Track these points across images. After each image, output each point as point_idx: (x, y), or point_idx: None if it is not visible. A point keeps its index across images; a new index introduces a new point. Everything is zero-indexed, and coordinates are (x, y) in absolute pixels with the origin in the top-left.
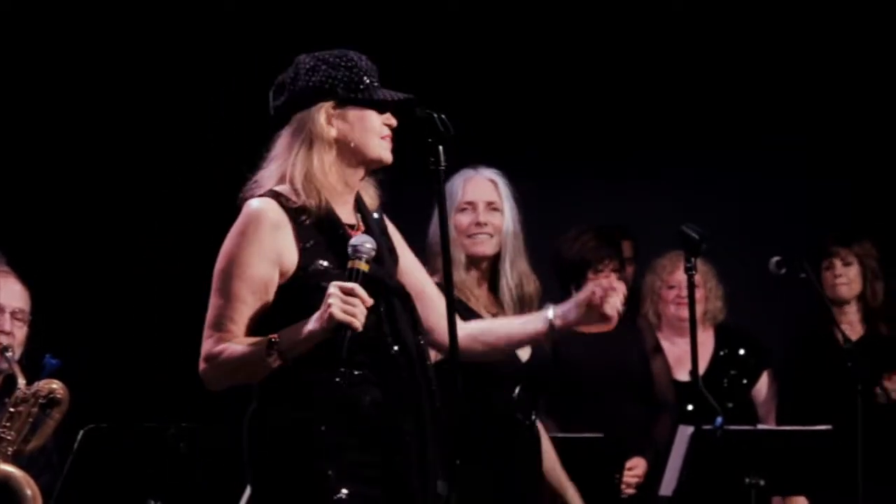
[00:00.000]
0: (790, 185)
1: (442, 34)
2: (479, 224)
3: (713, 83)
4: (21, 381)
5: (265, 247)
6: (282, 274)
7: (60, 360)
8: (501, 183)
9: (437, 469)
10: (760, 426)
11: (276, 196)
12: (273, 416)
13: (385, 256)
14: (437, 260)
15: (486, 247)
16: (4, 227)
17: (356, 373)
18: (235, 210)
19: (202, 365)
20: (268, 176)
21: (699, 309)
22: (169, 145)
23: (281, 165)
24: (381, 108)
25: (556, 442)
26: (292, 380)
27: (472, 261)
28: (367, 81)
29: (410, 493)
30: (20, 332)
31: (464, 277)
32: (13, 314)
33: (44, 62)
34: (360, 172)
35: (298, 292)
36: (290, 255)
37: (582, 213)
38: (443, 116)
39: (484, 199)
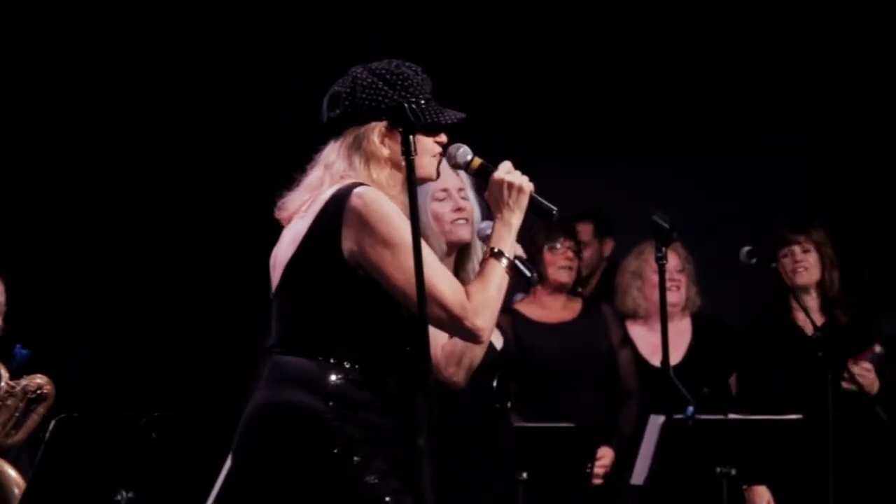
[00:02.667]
0: (765, 178)
1: (419, 24)
2: (459, 209)
3: (688, 78)
4: (4, 374)
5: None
6: None
7: (31, 350)
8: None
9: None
10: (732, 415)
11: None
12: (306, 405)
13: None
14: None
15: (466, 232)
16: None
17: (385, 371)
18: (231, 206)
19: (476, 321)
20: (321, 180)
21: (681, 296)
22: (168, 145)
23: (340, 174)
24: (432, 129)
25: (527, 432)
26: (322, 372)
27: (451, 248)
28: (422, 102)
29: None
30: None
31: (445, 262)
32: None
33: (44, 60)
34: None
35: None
36: None
37: (553, 201)
38: (413, 106)
39: (456, 185)
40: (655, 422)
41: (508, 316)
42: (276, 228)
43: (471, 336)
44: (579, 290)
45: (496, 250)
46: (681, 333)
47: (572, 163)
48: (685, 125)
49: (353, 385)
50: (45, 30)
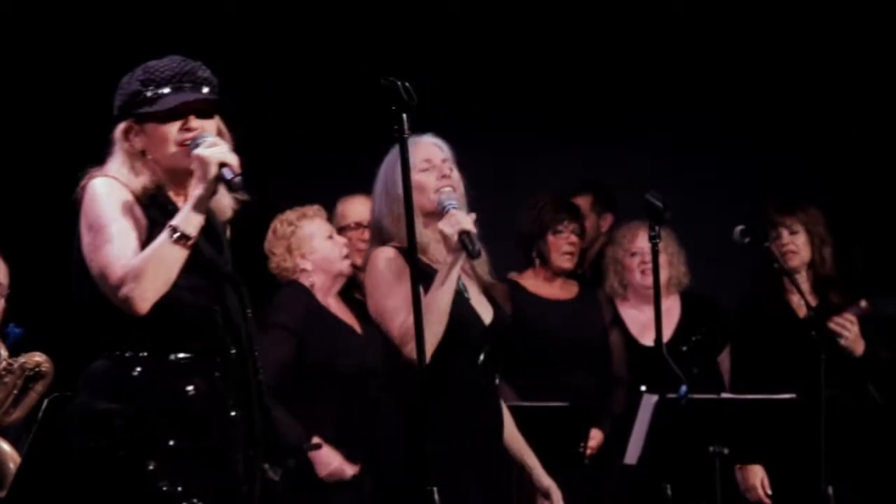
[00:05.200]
0: (759, 154)
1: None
2: (445, 176)
3: (682, 51)
4: (4, 353)
5: (121, 198)
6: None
7: (24, 328)
8: (443, 143)
9: (264, 453)
10: (725, 395)
11: (111, 177)
12: (92, 407)
13: (224, 245)
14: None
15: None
16: None
17: (182, 359)
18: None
19: (122, 290)
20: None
21: (664, 275)
22: None
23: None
24: (171, 117)
25: (521, 410)
26: (116, 370)
27: (431, 217)
28: (165, 91)
29: (235, 479)
30: None
31: (423, 234)
32: None
33: (45, 57)
34: (176, 178)
35: None
36: (141, 219)
37: (546, 180)
38: (407, 84)
39: (439, 157)
40: (648, 401)
41: (506, 287)
42: (270, 207)
43: (122, 304)
44: (578, 270)
45: (170, 224)
46: (669, 311)
47: (536, 129)
48: (652, 92)
49: (147, 381)
50: (45, 30)
